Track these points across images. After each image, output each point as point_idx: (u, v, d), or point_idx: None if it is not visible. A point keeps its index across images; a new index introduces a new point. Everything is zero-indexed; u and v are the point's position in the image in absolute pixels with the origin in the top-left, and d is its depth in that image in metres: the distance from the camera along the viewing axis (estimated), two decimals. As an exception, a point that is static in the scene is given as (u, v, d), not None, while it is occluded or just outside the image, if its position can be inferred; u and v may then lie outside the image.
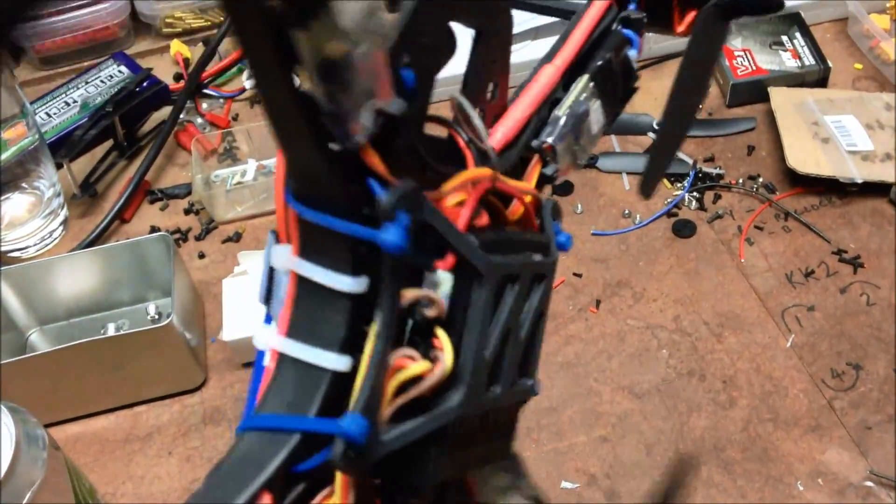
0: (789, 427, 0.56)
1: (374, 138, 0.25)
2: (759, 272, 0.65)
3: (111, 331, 0.63)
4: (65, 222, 0.73)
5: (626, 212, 0.70)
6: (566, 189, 0.72)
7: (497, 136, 0.33)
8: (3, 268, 0.61)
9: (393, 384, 0.26)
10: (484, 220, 0.29)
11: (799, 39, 0.78)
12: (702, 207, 0.69)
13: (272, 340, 0.27)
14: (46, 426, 0.46)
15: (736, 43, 0.78)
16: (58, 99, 0.79)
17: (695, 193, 0.70)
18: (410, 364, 0.26)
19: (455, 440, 0.28)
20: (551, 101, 0.35)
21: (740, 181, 0.71)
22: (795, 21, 0.80)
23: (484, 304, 0.28)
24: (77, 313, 0.65)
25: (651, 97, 0.78)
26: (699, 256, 0.66)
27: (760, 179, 0.71)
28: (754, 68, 0.76)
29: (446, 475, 0.29)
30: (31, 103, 0.77)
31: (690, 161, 0.72)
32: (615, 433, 0.57)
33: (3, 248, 0.71)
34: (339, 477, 0.26)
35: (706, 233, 0.68)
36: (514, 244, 0.30)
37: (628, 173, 0.72)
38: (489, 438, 0.30)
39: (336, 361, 0.26)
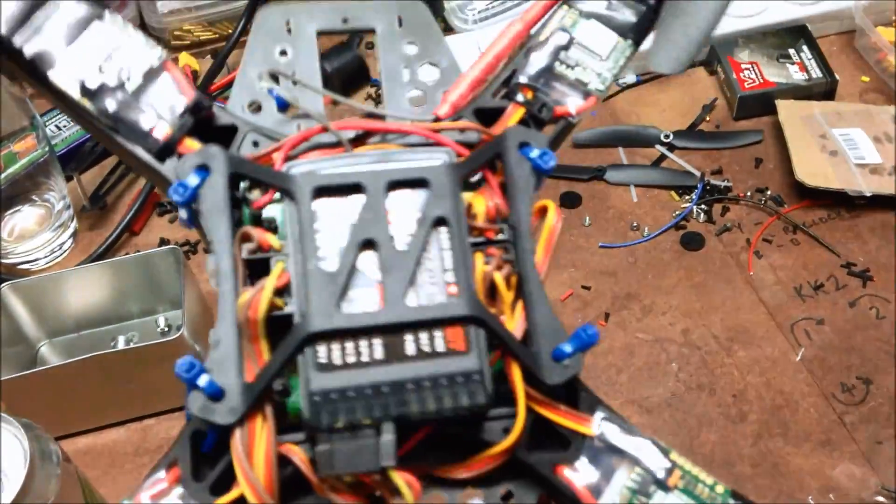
0: (800, 442, 0.56)
1: (208, 133, 0.32)
2: (767, 285, 0.65)
3: (121, 343, 0.63)
4: (74, 235, 0.73)
5: (635, 224, 0.70)
6: (574, 202, 0.72)
7: (444, 108, 0.33)
8: (12, 281, 0.61)
9: (254, 325, 0.27)
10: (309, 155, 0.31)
11: (806, 52, 0.79)
12: (710, 220, 0.70)
13: None
14: (56, 439, 0.46)
15: (743, 56, 0.79)
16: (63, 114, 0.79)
17: (703, 206, 0.70)
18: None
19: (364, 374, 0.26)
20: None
21: (748, 194, 0.71)
22: (802, 34, 0.80)
23: (300, 217, 0.28)
24: (87, 325, 0.65)
25: (658, 109, 0.78)
26: (708, 269, 0.66)
27: (768, 192, 0.71)
28: (761, 81, 0.76)
29: (364, 415, 0.26)
30: (41, 116, 0.77)
31: (698, 174, 0.72)
32: (625, 447, 0.57)
33: (13, 261, 0.71)
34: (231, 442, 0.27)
35: (714, 246, 0.68)
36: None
37: (636, 185, 0.73)
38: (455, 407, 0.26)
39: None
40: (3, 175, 0.69)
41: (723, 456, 0.56)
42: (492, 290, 0.29)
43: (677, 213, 0.70)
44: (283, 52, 0.34)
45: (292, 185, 0.28)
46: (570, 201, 0.72)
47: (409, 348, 0.26)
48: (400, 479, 0.26)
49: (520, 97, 0.33)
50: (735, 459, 0.56)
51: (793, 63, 0.78)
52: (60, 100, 0.31)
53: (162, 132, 0.31)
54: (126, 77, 0.31)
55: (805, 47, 0.79)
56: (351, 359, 0.26)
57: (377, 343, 0.26)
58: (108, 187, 0.75)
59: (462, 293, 0.27)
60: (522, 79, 0.33)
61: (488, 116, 0.34)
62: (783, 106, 0.74)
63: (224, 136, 0.32)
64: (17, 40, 0.30)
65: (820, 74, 0.77)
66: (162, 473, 0.28)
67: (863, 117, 0.74)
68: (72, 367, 0.56)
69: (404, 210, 0.28)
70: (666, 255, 0.68)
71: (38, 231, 0.71)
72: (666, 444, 0.56)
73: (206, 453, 0.28)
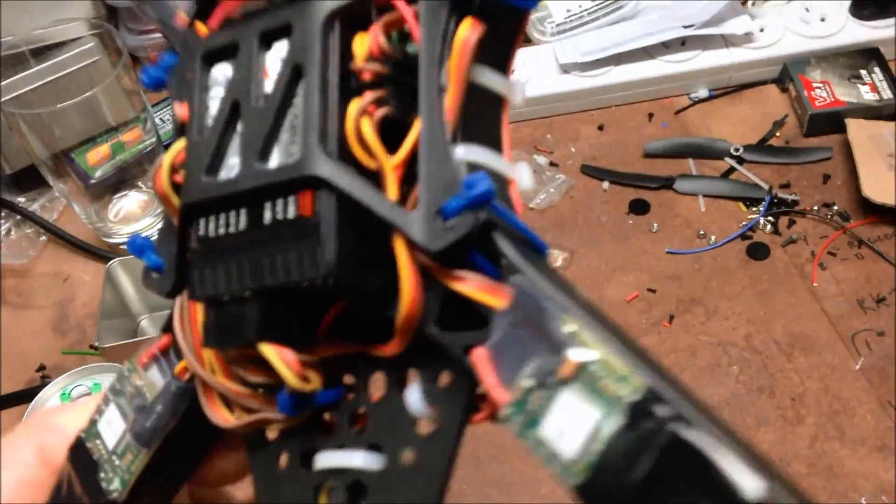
0: (855, 445, 0.58)
1: None
2: (830, 296, 0.67)
3: (215, 320, 0.68)
4: (173, 220, 0.79)
5: (701, 232, 0.72)
6: (643, 209, 0.75)
7: None
8: (121, 257, 0.67)
9: (165, 200, 0.27)
10: None
11: (878, 74, 0.80)
12: (776, 232, 0.72)
13: None
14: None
15: (815, 75, 0.81)
16: (170, 106, 0.85)
17: (770, 218, 0.73)
18: None
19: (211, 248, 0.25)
20: None
21: (815, 208, 0.73)
22: (874, 56, 0.82)
23: (195, 85, 0.26)
24: (183, 303, 0.70)
25: (729, 123, 0.81)
26: (772, 278, 0.69)
27: (835, 207, 0.73)
28: (832, 100, 0.78)
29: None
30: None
31: (766, 187, 0.74)
32: (684, 442, 0.60)
33: (117, 241, 0.77)
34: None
35: (780, 256, 0.70)
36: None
37: (704, 195, 0.75)
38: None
39: None
40: (111, 162, 0.75)
41: (779, 454, 0.58)
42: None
43: (744, 223, 0.72)
44: None
45: (184, 49, 0.26)
46: (638, 208, 0.75)
47: (267, 216, 0.24)
48: (272, 352, 0.24)
49: None
50: (791, 458, 0.58)
51: (864, 84, 0.80)
52: None
53: None
54: None
55: (877, 69, 0.81)
56: (221, 230, 0.24)
57: (243, 213, 0.24)
58: (205, 177, 0.80)
59: (304, 150, 0.23)
60: None
61: None
62: (853, 125, 0.76)
63: None
64: None
65: (891, 95, 0.78)
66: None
67: (932, 138, 0.75)
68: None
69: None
70: (731, 263, 0.70)
71: (141, 215, 0.77)
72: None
73: None
